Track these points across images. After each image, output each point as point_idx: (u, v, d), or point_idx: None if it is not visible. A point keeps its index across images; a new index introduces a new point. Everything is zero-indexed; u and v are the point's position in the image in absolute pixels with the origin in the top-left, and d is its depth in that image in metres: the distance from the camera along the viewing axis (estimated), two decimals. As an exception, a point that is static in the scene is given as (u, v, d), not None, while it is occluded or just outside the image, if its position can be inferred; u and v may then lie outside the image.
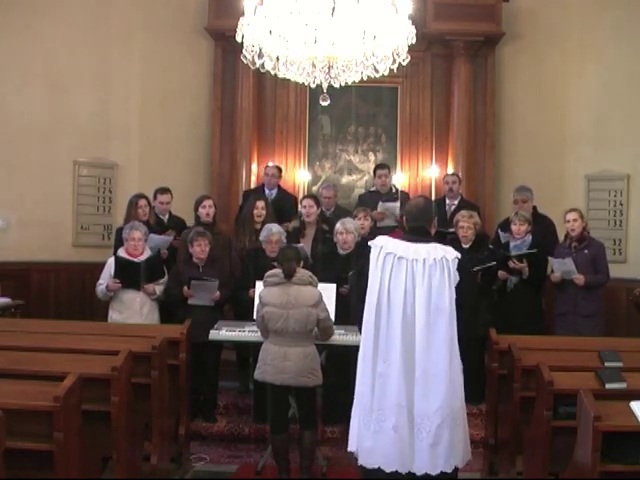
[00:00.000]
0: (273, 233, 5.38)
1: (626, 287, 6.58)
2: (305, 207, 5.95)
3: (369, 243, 3.54)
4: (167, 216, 6.26)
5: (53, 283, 7.27)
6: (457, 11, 7.35)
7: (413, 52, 4.51)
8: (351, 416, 3.51)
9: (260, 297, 4.41)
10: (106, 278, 5.39)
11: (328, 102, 4.56)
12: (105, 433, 3.69)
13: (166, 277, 5.49)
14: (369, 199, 6.56)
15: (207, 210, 5.79)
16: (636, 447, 3.19)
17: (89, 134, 7.39)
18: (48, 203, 7.26)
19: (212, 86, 7.68)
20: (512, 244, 5.69)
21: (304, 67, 4.40)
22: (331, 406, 5.23)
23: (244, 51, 4.29)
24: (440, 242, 3.55)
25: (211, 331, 4.82)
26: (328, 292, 4.70)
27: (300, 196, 7.02)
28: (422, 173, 7.68)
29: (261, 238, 5.47)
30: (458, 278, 3.39)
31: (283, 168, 7.16)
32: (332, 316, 4.57)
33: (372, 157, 7.75)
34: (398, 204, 6.21)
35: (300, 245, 5.37)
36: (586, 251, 5.53)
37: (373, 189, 6.82)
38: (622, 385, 3.71)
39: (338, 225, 5.42)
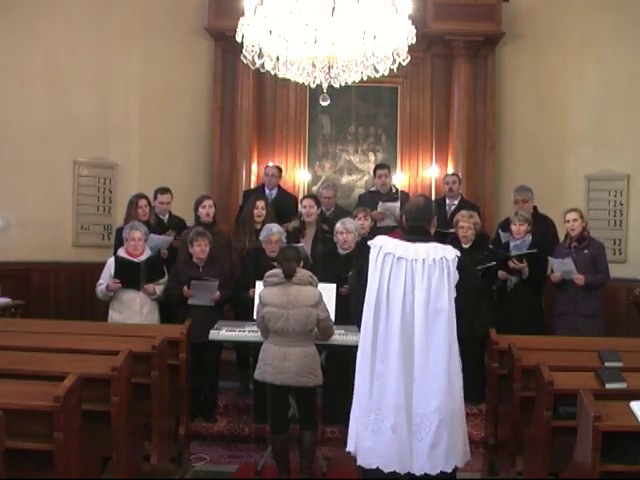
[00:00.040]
0: (273, 233, 5.38)
1: (626, 287, 6.58)
2: (305, 207, 5.95)
3: (368, 243, 3.54)
4: (167, 216, 6.26)
5: (53, 283, 7.27)
6: (457, 11, 7.35)
7: (413, 52, 4.51)
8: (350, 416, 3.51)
9: (260, 297, 4.41)
10: (106, 278, 5.40)
11: (328, 102, 4.56)
12: (105, 433, 3.68)
13: (166, 277, 5.48)
14: (369, 199, 6.56)
15: (207, 210, 5.79)
16: (636, 447, 3.19)
17: (89, 134, 7.38)
18: (48, 203, 7.26)
19: (212, 86, 7.67)
20: (512, 244, 5.69)
21: (304, 67, 4.40)
22: (331, 406, 5.22)
23: (244, 51, 4.29)
24: (440, 242, 3.54)
25: (211, 331, 4.82)
26: (328, 292, 4.69)
27: (300, 196, 7.02)
28: (422, 173, 7.67)
29: (261, 238, 5.47)
30: (458, 277, 3.39)
31: (283, 168, 7.16)
32: (332, 316, 4.57)
33: (372, 157, 7.74)
34: (398, 204, 6.21)
35: (300, 245, 5.36)
36: (586, 251, 5.53)
37: (373, 189, 6.81)
38: (622, 385, 3.71)
39: (338, 225, 5.42)
